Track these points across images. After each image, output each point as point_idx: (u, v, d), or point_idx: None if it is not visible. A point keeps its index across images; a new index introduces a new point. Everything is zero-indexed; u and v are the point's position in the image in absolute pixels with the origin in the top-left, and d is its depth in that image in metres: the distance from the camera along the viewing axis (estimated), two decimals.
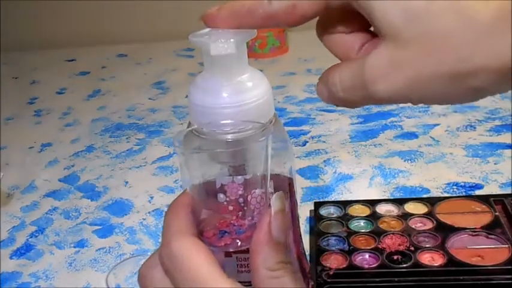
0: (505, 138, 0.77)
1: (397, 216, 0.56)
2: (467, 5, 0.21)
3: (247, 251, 0.28)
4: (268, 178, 0.30)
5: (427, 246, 0.50)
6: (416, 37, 0.22)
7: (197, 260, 0.26)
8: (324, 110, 0.93)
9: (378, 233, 0.53)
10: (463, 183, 0.67)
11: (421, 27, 0.22)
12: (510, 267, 0.47)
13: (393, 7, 0.22)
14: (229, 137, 0.29)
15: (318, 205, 0.59)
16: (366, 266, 0.49)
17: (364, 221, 0.56)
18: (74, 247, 0.64)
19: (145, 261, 0.29)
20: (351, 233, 0.54)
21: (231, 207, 0.29)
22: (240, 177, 0.29)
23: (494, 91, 0.23)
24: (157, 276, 0.27)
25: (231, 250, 0.30)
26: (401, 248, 0.50)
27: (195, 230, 0.29)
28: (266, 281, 0.27)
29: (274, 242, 0.27)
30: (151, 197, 0.73)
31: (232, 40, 0.27)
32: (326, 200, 0.65)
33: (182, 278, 0.26)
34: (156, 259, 0.28)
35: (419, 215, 0.55)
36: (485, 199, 0.57)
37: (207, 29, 0.29)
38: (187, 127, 0.32)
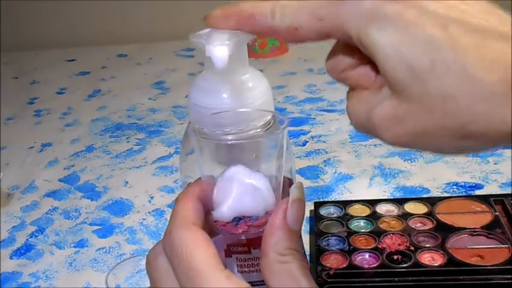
0: None
1: (397, 216, 0.56)
2: (471, 69, 0.21)
3: (248, 251, 0.28)
4: (282, 176, 0.30)
5: (427, 246, 0.50)
6: (419, 96, 0.22)
7: (195, 250, 0.26)
8: (324, 110, 0.94)
9: (378, 233, 0.53)
10: (463, 183, 0.67)
11: (424, 86, 0.22)
12: (510, 267, 0.47)
13: (398, 63, 0.22)
14: (229, 137, 0.29)
15: (318, 205, 0.60)
16: (366, 266, 0.49)
17: (364, 221, 0.56)
18: (74, 247, 0.64)
19: (153, 247, 0.29)
20: (351, 233, 0.54)
21: None
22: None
23: (493, 149, 0.23)
24: (161, 263, 0.28)
25: (245, 238, 0.30)
26: (402, 247, 0.50)
27: (201, 219, 0.29)
28: (274, 265, 0.27)
29: (287, 228, 0.27)
30: (152, 197, 0.73)
31: (227, 42, 0.27)
32: (326, 200, 0.65)
33: (180, 267, 0.26)
34: (161, 246, 0.28)
35: (419, 215, 0.55)
36: (485, 199, 0.57)
37: (208, 29, 0.28)
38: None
